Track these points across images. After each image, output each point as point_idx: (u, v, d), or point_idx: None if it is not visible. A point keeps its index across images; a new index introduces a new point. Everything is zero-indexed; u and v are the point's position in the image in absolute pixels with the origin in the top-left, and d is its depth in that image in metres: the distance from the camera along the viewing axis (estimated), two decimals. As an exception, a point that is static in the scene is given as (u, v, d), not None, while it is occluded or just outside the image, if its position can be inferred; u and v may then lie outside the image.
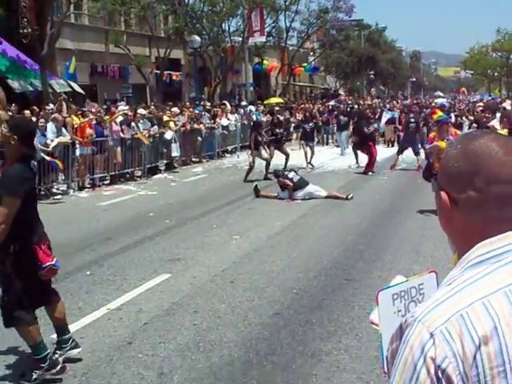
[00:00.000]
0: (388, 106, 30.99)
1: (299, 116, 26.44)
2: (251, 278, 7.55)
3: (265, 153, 17.17)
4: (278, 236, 10.01)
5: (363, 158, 18.39)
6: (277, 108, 27.12)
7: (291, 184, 13.38)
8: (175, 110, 21.80)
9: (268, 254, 8.76)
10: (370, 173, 17.60)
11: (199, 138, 21.83)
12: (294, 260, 8.43)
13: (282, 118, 23.11)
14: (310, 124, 20.32)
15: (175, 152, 19.73)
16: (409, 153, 18.73)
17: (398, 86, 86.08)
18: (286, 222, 11.16)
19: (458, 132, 11.79)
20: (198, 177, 18.25)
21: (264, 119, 20.82)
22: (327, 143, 27.80)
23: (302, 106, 31.95)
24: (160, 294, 7.02)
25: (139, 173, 18.14)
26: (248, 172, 16.64)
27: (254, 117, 25.03)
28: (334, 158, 22.16)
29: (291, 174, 13.73)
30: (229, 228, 10.66)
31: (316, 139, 23.47)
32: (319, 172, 18.11)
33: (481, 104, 16.03)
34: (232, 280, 7.49)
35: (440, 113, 12.35)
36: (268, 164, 16.92)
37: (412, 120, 19.02)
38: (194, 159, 21.84)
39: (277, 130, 18.15)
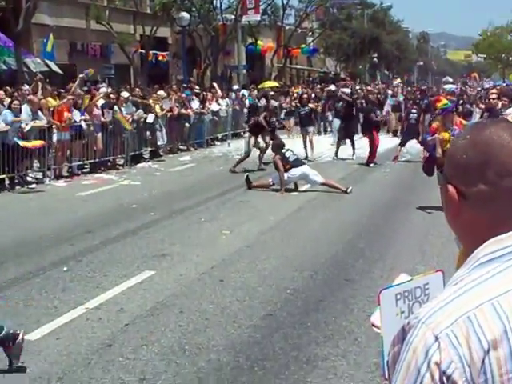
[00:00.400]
0: (390, 91, 30.93)
1: (292, 101, 26.35)
2: (242, 277, 7.58)
3: (262, 141, 17.23)
4: (272, 231, 10.04)
5: (356, 148, 18.47)
6: (272, 93, 27.07)
7: (286, 166, 13.39)
8: (161, 93, 21.76)
9: (261, 251, 8.78)
10: (372, 164, 17.66)
11: (187, 125, 21.82)
12: (289, 257, 8.45)
13: (276, 104, 23.07)
14: (306, 108, 20.40)
15: (161, 139, 19.74)
16: (413, 143, 18.78)
17: (403, 70, 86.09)
18: (281, 216, 11.18)
19: (464, 122, 11.76)
20: (186, 166, 18.25)
21: (259, 104, 20.76)
22: (325, 132, 27.73)
23: (297, 90, 31.84)
24: (143, 293, 7.03)
25: (121, 161, 18.12)
26: (241, 160, 16.68)
27: (247, 102, 24.98)
28: (333, 147, 22.16)
29: (288, 153, 13.82)
30: (218, 222, 10.67)
31: (315, 125, 23.28)
32: (317, 163, 18.11)
33: (494, 91, 15.95)
34: (221, 278, 7.51)
35: (445, 100, 12.30)
36: (263, 153, 16.99)
37: (413, 111, 19.15)
38: (181, 147, 21.84)
39: (272, 119, 18.22)
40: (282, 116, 27.28)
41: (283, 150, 13.92)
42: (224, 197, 13.17)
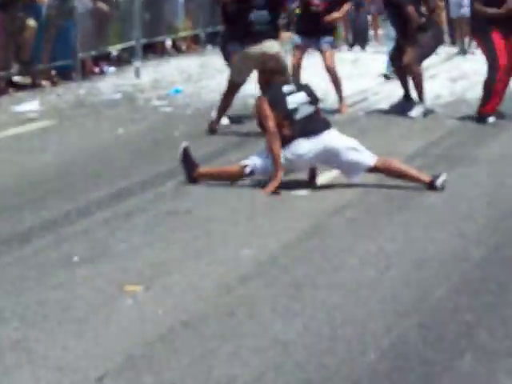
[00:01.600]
0: None
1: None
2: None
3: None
4: (250, 284, 10.10)
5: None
6: None
7: (285, 132, 13.44)
8: None
9: (221, 338, 8.75)
10: (492, 118, 17.87)
11: (31, 24, 21.81)
12: (296, 346, 8.45)
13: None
14: None
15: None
16: None
17: None
18: (272, 246, 11.29)
19: None
20: (30, 127, 18.33)
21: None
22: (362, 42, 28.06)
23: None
24: None
25: None
26: None
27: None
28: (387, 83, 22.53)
29: (294, 98, 14.00)
30: (116, 265, 10.70)
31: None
32: (353, 117, 18.29)
33: None
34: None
35: None
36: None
37: None
38: (17, 79, 21.90)
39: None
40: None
41: (285, 88, 13.98)
42: (128, 202, 13.29)
